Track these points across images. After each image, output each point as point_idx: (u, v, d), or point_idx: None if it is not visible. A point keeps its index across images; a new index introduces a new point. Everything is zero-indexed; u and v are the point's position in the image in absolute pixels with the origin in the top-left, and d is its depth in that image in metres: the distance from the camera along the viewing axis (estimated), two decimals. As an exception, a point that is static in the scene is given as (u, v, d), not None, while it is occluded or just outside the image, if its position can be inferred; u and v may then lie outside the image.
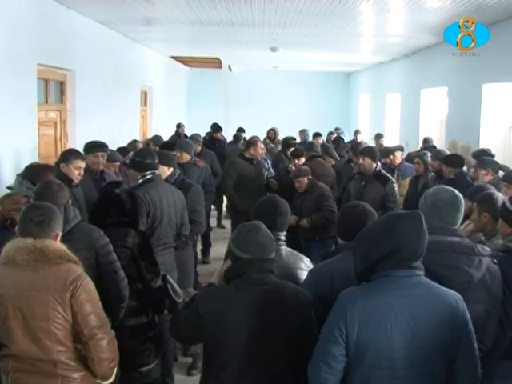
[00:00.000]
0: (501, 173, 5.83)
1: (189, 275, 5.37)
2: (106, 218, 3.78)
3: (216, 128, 10.78)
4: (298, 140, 10.82)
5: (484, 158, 5.93)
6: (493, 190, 4.18)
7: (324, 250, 3.89)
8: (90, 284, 2.87)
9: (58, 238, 2.96)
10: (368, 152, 6.27)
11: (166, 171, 5.19)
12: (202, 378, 2.87)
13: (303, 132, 11.37)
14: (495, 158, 6.53)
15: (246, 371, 2.66)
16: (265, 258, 2.74)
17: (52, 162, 5.99)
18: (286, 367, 2.71)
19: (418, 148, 9.20)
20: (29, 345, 2.79)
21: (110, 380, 2.94)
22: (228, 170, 7.30)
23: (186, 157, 6.70)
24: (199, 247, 7.94)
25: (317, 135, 10.65)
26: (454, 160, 5.93)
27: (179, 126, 12.25)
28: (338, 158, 8.58)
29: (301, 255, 3.45)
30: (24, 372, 2.83)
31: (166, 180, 5.15)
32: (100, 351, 2.81)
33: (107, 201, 4.16)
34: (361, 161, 6.23)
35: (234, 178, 7.04)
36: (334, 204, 6.22)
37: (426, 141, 9.14)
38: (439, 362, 2.42)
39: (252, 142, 7.50)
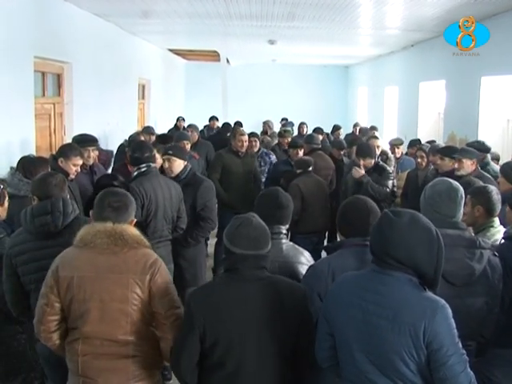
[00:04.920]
0: (492, 163, 5.82)
1: (202, 271, 5.30)
2: None
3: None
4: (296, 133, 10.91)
5: (465, 147, 5.81)
6: (481, 183, 4.21)
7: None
8: (165, 268, 2.94)
9: (133, 224, 3.04)
10: (368, 153, 6.29)
11: (181, 165, 5.16)
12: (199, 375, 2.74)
13: (303, 125, 11.39)
14: (493, 151, 6.50)
15: (244, 367, 2.63)
16: (258, 254, 2.66)
17: (47, 154, 6.00)
18: (284, 361, 2.70)
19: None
20: (104, 326, 2.80)
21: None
22: (213, 162, 7.30)
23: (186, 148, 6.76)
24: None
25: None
26: (451, 151, 5.81)
27: (179, 119, 12.32)
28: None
29: (301, 249, 3.41)
30: (94, 355, 2.83)
31: (178, 174, 5.13)
32: (171, 332, 2.82)
33: None
34: (362, 162, 6.24)
35: (219, 170, 6.97)
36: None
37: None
38: None
39: (232, 135, 7.46)
